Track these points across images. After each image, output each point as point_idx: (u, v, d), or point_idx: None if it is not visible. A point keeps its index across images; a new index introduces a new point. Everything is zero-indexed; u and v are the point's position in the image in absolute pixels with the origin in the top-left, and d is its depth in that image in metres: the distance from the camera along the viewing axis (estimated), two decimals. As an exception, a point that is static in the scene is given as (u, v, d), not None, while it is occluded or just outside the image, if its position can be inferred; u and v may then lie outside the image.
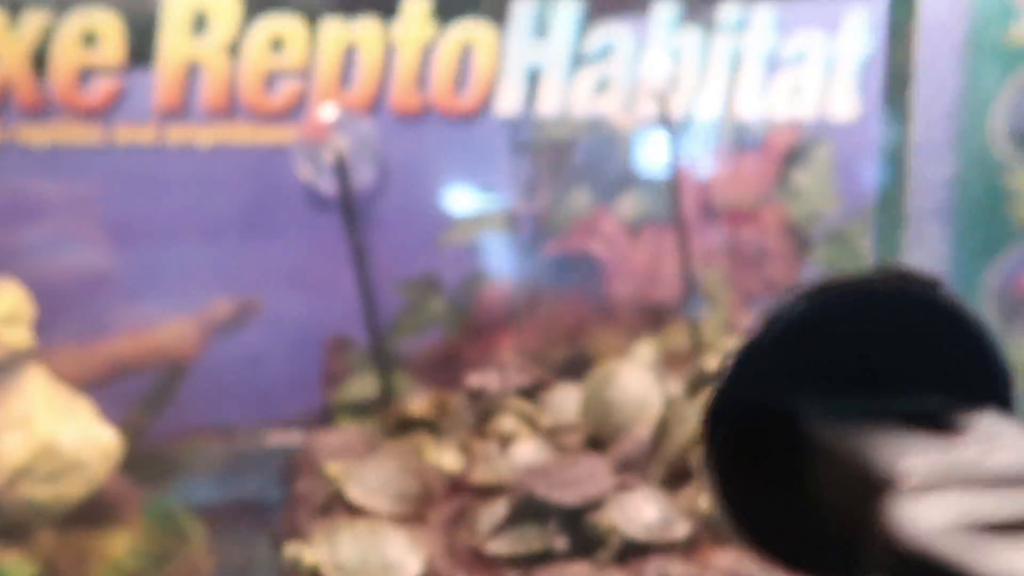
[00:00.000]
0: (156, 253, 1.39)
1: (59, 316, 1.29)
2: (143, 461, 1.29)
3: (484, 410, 1.12)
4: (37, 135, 1.32)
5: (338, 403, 1.50)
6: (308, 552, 0.93)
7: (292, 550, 0.93)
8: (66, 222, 1.36)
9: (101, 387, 1.37)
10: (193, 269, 1.41)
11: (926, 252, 1.75)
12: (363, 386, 1.50)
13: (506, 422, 1.09)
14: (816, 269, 1.70)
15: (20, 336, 1.06)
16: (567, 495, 0.99)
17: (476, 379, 1.08)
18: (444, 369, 1.54)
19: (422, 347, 1.52)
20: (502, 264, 1.53)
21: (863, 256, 1.71)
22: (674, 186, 1.46)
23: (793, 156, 1.64)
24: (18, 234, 1.35)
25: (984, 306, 1.78)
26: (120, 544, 1.15)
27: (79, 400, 1.14)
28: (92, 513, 1.16)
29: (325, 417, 1.50)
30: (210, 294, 1.42)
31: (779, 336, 0.32)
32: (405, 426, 1.31)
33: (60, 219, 1.35)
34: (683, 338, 1.63)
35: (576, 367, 1.41)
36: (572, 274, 1.58)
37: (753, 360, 0.31)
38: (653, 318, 1.63)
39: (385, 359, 1.39)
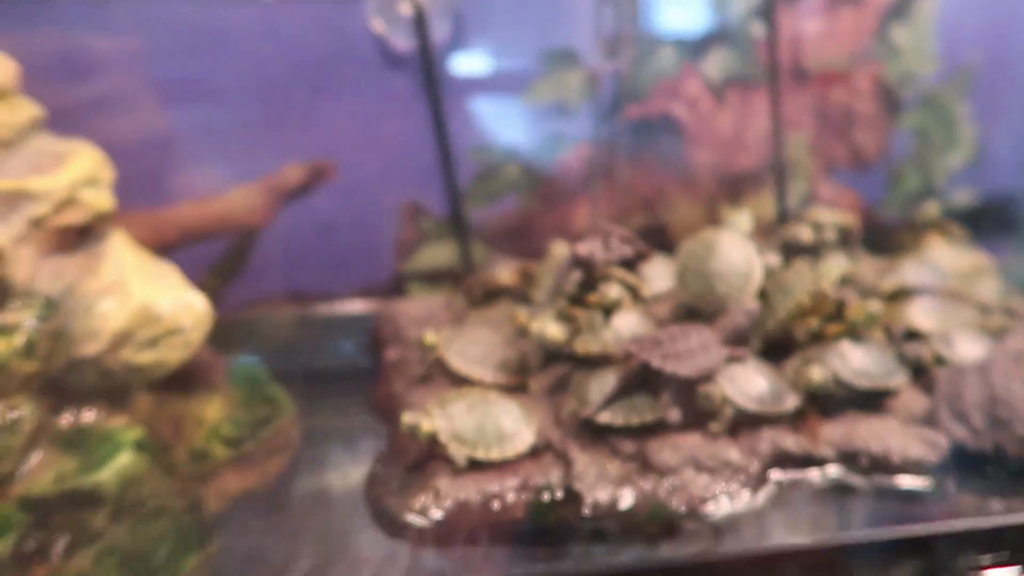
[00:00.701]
0: (218, 114, 1.31)
1: (119, 182, 1.23)
2: (220, 329, 1.26)
3: (587, 279, 1.07)
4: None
5: (412, 271, 1.46)
6: (426, 421, 0.91)
7: (409, 418, 0.91)
8: (120, 80, 1.27)
9: (168, 254, 1.33)
10: (259, 132, 1.33)
11: (1014, 118, 1.65)
12: (438, 254, 1.46)
13: (612, 290, 1.04)
14: (905, 137, 1.61)
15: (103, 198, 1.01)
16: (683, 367, 0.96)
17: (584, 247, 1.03)
18: (518, 238, 1.49)
19: (496, 215, 1.47)
20: (581, 128, 1.45)
21: (956, 125, 1.62)
22: (771, 43, 1.34)
23: (894, 9, 1.51)
24: (70, 94, 1.27)
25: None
26: (213, 410, 1.15)
27: (165, 266, 1.10)
28: (183, 379, 1.15)
29: (398, 286, 1.47)
30: (278, 158, 1.35)
31: None
32: (491, 295, 1.28)
33: (113, 77, 1.27)
34: (767, 207, 1.56)
35: (654, 236, 1.35)
36: (653, 139, 1.50)
37: None
38: (735, 186, 1.56)
39: (464, 227, 1.34)
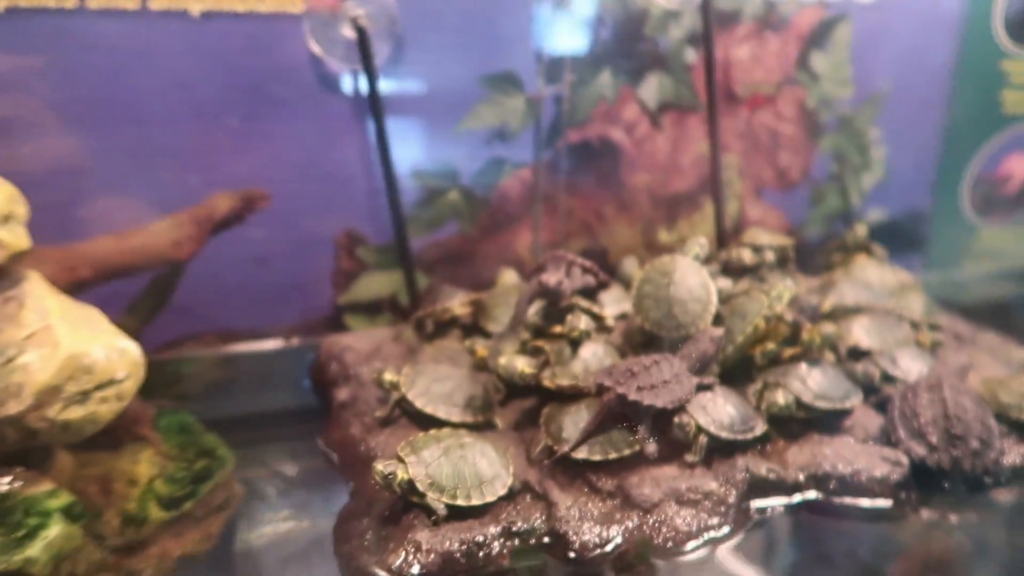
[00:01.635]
0: (139, 139, 1.20)
1: (31, 214, 1.11)
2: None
3: (551, 310, 1.04)
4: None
5: (350, 303, 1.39)
6: (401, 469, 0.85)
7: (383, 467, 0.85)
8: (21, 103, 1.15)
9: (82, 293, 1.21)
10: (185, 158, 1.23)
11: (919, 140, 1.75)
12: (378, 284, 1.39)
13: (581, 321, 1.01)
14: (825, 159, 1.67)
15: (18, 236, 0.89)
16: (659, 398, 0.94)
17: (551, 277, 1.00)
18: (458, 265, 1.45)
19: (435, 242, 1.42)
20: (522, 153, 1.42)
21: (869, 147, 1.70)
22: (709, 68, 1.37)
23: (814, 37, 1.58)
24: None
25: (965, 193, 1.82)
26: (145, 467, 1.04)
27: (90, 309, 0.99)
28: (107, 433, 1.04)
29: (336, 319, 1.39)
30: (206, 187, 1.25)
31: None
32: (443, 326, 1.23)
33: (22, 98, 1.14)
34: (702, 228, 1.59)
35: (594, 260, 1.34)
36: (592, 163, 1.49)
37: None
38: (671, 209, 1.58)
39: (409, 256, 1.29)
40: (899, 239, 1.81)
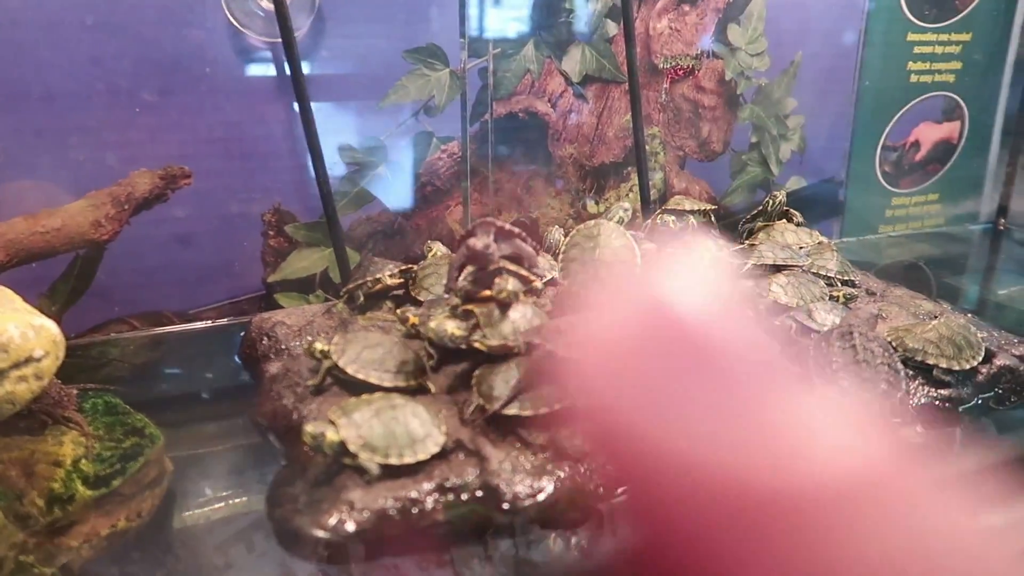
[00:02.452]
0: (52, 117, 1.17)
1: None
2: (65, 357, 1.13)
3: (479, 275, 1.06)
4: None
5: (280, 280, 1.38)
6: (331, 431, 0.86)
7: (312, 428, 0.85)
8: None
9: (-4, 277, 1.17)
10: (100, 136, 1.20)
11: (834, 110, 1.83)
12: (308, 261, 1.39)
13: (509, 283, 1.03)
14: (745, 129, 1.73)
15: (-77, 216, 0.86)
16: (586, 354, 0.97)
17: (479, 241, 1.01)
18: (388, 240, 1.45)
19: (364, 218, 1.42)
20: (448, 127, 1.43)
21: (786, 117, 1.76)
22: (629, 40, 1.40)
23: (730, 9, 1.62)
24: None
25: (877, 160, 1.91)
26: (70, 448, 1.02)
27: (2, 289, 0.96)
28: (27, 415, 1.01)
29: (266, 297, 1.38)
30: (125, 165, 1.22)
31: None
32: (374, 298, 1.23)
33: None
34: (630, 199, 1.62)
35: (524, 231, 1.37)
36: (519, 136, 1.51)
37: None
38: (597, 179, 1.61)
39: (338, 231, 1.28)
40: (817, 206, 1.88)
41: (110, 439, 1.04)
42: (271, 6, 1.19)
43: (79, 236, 1.22)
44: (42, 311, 0.98)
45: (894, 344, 1.15)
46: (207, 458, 1.07)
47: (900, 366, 1.09)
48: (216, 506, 0.97)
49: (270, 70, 1.26)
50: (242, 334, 1.25)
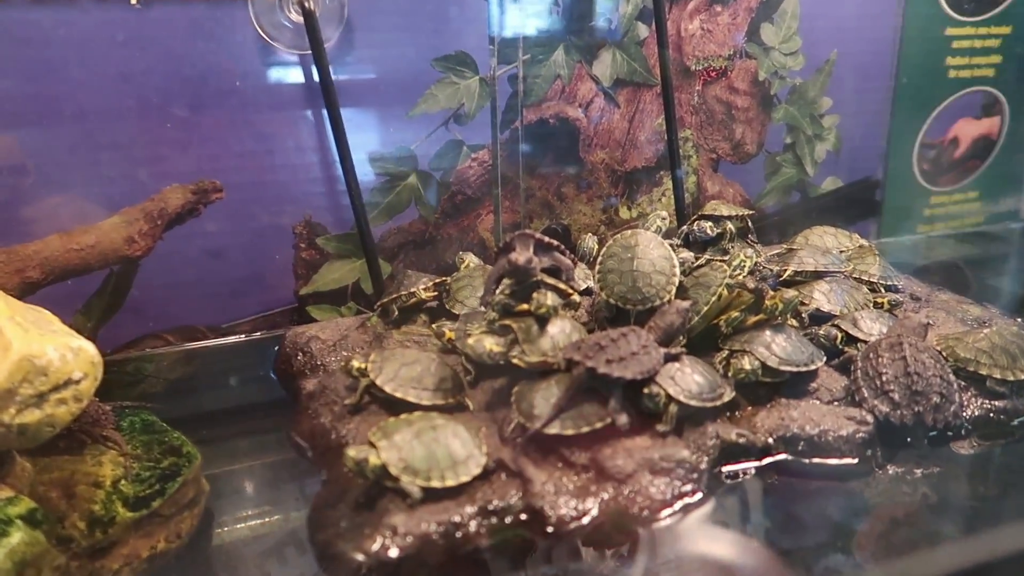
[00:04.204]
0: (85, 134, 1.16)
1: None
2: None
3: (517, 289, 1.03)
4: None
5: (312, 293, 1.37)
6: (373, 454, 0.84)
7: (355, 452, 0.84)
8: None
9: (34, 295, 1.17)
10: (133, 152, 1.20)
11: (870, 108, 1.78)
12: (339, 273, 1.38)
13: (548, 298, 1.01)
14: (779, 130, 1.69)
15: (-40, 240, 0.86)
16: (628, 370, 0.95)
17: (521, 256, 0.99)
18: (420, 250, 1.44)
19: (395, 228, 1.40)
20: (479, 134, 1.41)
21: (821, 117, 1.72)
22: (661, 43, 1.37)
23: (763, 9, 1.59)
24: None
25: (915, 158, 1.86)
26: (109, 468, 1.02)
27: (40, 310, 0.96)
28: (67, 436, 1.01)
29: (299, 310, 1.37)
30: (158, 181, 1.22)
31: None
32: (408, 312, 1.22)
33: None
34: (663, 204, 1.60)
35: (556, 239, 1.35)
36: (550, 142, 1.49)
37: None
38: (629, 185, 1.59)
39: (370, 242, 1.27)
40: (854, 207, 1.84)
41: (148, 458, 1.04)
42: (300, 18, 1.18)
43: (113, 252, 1.22)
44: (78, 328, 0.97)
45: (944, 354, 1.11)
46: (244, 476, 1.06)
47: (952, 378, 1.05)
48: (254, 524, 0.96)
49: (300, 82, 1.25)
50: (276, 348, 1.24)
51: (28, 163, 1.16)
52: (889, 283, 1.35)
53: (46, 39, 1.11)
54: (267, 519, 0.97)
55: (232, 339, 1.33)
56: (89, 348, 0.93)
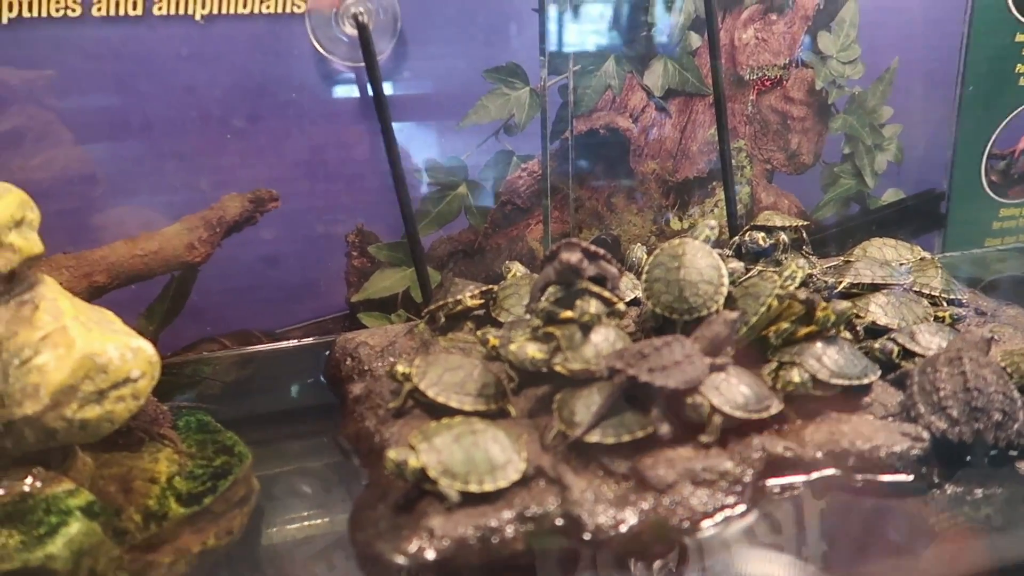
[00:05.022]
0: (148, 145, 1.22)
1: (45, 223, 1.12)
2: (161, 375, 1.17)
3: (562, 296, 1.04)
4: (-8, 6, 1.11)
5: (363, 300, 1.40)
6: (413, 457, 0.86)
7: (395, 455, 0.85)
8: (39, 113, 1.17)
9: (98, 299, 1.22)
10: (194, 162, 1.25)
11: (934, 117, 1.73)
12: (390, 281, 1.40)
13: (591, 306, 1.01)
14: (837, 140, 1.66)
15: (31, 241, 0.91)
16: (671, 379, 0.94)
17: (572, 256, 0.99)
18: (469, 260, 1.45)
19: (445, 238, 1.42)
20: (529, 145, 1.42)
21: (882, 127, 1.68)
22: (714, 52, 1.36)
23: (820, 17, 1.56)
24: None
25: (983, 170, 1.79)
26: (164, 465, 1.05)
27: (103, 311, 1.01)
28: (126, 433, 1.05)
29: (351, 317, 1.40)
30: (217, 190, 1.27)
31: None
32: (455, 319, 1.23)
33: (31, 109, 1.16)
34: (715, 214, 1.58)
35: (606, 249, 1.34)
36: (600, 152, 1.49)
37: None
38: (681, 195, 1.57)
39: (419, 251, 1.29)
40: (917, 219, 1.78)
41: (202, 457, 1.07)
42: (355, 32, 1.21)
43: (174, 258, 1.27)
44: (140, 331, 1.01)
45: (1008, 370, 1.07)
46: (293, 477, 1.09)
47: (1016, 394, 1.01)
48: (301, 525, 0.98)
49: (354, 94, 1.29)
50: (327, 353, 1.27)
51: (99, 173, 1.22)
52: (951, 296, 1.31)
53: (116, 54, 1.17)
54: (313, 520, 0.99)
55: (285, 344, 1.37)
56: (147, 348, 0.97)
